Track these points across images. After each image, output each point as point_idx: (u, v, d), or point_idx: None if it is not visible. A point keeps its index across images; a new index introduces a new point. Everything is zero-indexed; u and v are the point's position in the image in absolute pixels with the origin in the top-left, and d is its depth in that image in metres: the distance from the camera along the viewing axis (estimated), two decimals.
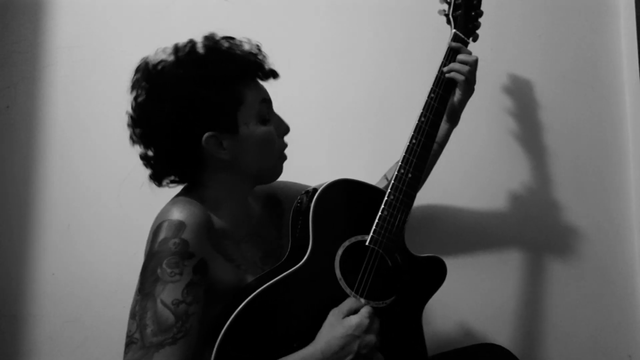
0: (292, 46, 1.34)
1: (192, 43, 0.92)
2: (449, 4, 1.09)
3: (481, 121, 1.33)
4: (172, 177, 0.96)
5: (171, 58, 0.91)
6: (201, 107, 0.87)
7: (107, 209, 1.30)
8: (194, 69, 0.88)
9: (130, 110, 0.93)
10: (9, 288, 1.27)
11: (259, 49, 0.95)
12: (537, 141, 1.35)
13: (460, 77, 1.02)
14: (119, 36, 1.34)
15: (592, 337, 1.30)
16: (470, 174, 1.33)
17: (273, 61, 0.96)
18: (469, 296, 1.30)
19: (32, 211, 1.30)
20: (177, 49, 0.92)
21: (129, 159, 1.29)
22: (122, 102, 1.33)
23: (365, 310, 0.84)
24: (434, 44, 1.32)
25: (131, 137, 0.93)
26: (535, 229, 1.33)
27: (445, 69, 1.03)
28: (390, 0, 1.37)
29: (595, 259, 1.32)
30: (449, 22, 1.09)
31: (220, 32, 0.94)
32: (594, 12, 1.38)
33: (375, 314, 0.85)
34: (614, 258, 1.33)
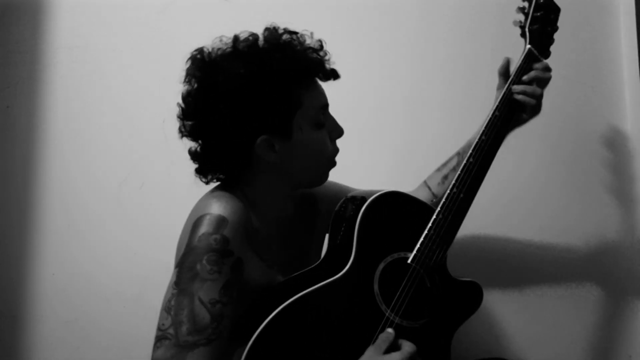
0: None
1: (253, 36, 0.88)
2: (527, 15, 1.03)
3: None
4: (218, 175, 0.92)
5: (229, 49, 0.87)
6: (257, 107, 0.83)
7: (107, 209, 1.30)
8: (254, 64, 0.84)
9: (181, 101, 0.89)
10: (9, 288, 1.27)
11: (321, 45, 0.91)
12: (537, 141, 1.34)
13: (531, 102, 0.97)
14: (119, 36, 1.34)
15: (592, 337, 1.30)
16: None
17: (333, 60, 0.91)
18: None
19: (32, 211, 1.30)
20: (236, 40, 0.88)
21: (129, 158, 1.31)
22: (122, 102, 1.34)
23: (407, 349, 0.80)
24: (437, 44, 1.34)
25: (180, 130, 0.90)
26: (533, 229, 1.33)
27: (517, 89, 0.98)
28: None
29: (595, 258, 1.32)
30: (523, 34, 1.03)
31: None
32: (594, 12, 1.38)
33: (415, 352, 0.81)
34: (614, 258, 1.32)
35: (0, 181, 1.30)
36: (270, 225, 0.92)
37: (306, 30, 0.90)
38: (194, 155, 0.91)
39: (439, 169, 1.12)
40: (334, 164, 0.95)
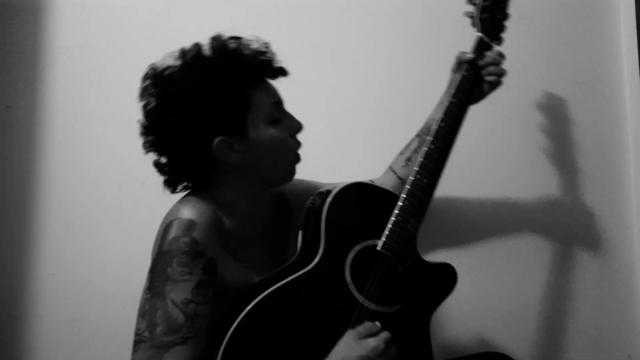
0: (293, 48, 1.34)
1: (198, 46, 0.92)
2: (476, 5, 1.05)
3: (480, 120, 1.33)
4: (186, 183, 0.96)
5: (178, 62, 0.91)
6: (209, 110, 0.86)
7: (107, 209, 1.30)
8: (201, 72, 0.87)
9: (141, 118, 0.92)
10: (9, 288, 1.28)
11: (267, 47, 0.94)
12: (537, 141, 1.35)
13: (499, 81, 1.02)
14: (119, 36, 1.34)
15: (592, 337, 1.30)
16: (468, 174, 1.33)
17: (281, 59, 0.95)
18: (468, 295, 1.30)
19: (32, 211, 1.30)
20: (183, 52, 0.92)
21: (129, 158, 1.31)
22: (122, 102, 1.34)
23: (383, 335, 0.83)
24: (436, 42, 1.34)
25: (144, 145, 0.93)
26: (534, 229, 1.33)
27: (488, 78, 1.01)
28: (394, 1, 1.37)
29: (595, 258, 1.32)
30: (474, 24, 1.06)
31: (226, 33, 0.93)
32: (594, 12, 1.38)
33: (391, 339, 0.84)
34: (614, 258, 1.33)
35: (0, 181, 1.30)
36: (244, 226, 0.94)
37: (252, 35, 0.94)
38: (159, 167, 0.93)
39: (401, 153, 1.16)
40: (298, 158, 0.98)
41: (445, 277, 0.98)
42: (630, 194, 1.34)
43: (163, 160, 0.93)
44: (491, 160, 1.34)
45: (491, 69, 1.01)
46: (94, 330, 1.27)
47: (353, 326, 0.85)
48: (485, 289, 1.31)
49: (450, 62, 1.17)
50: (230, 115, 0.88)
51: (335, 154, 1.33)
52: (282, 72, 0.95)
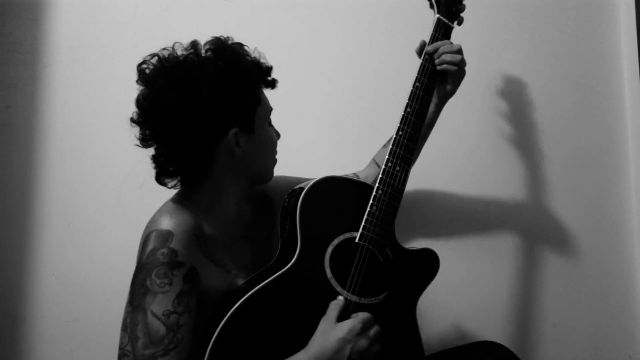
0: (292, 46, 1.34)
1: (218, 40, 0.92)
2: None
3: (483, 122, 1.34)
4: (179, 178, 0.92)
5: (189, 52, 0.90)
6: (225, 102, 0.86)
7: (107, 209, 1.30)
8: (220, 65, 0.87)
9: (141, 105, 0.88)
10: (9, 288, 1.27)
11: (265, 58, 0.96)
12: (538, 141, 1.35)
13: (452, 68, 0.99)
14: (118, 36, 1.34)
15: (592, 337, 1.30)
16: (470, 175, 1.33)
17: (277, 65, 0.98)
18: (467, 296, 1.30)
19: (32, 211, 1.30)
20: (195, 45, 0.91)
21: (129, 159, 1.31)
22: (122, 102, 1.34)
23: (360, 316, 0.83)
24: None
25: (143, 139, 0.88)
26: (535, 229, 1.33)
27: (436, 61, 0.99)
28: None
29: (595, 259, 1.32)
30: (432, 6, 1.05)
31: (226, 33, 0.94)
32: (593, 12, 1.38)
33: (371, 319, 0.84)
34: (614, 258, 1.33)
35: (0, 181, 1.30)
36: (228, 230, 0.94)
37: (250, 45, 0.95)
38: (158, 158, 0.89)
39: (384, 146, 1.16)
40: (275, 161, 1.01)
41: (428, 262, 0.99)
42: (630, 194, 1.34)
43: (161, 150, 0.88)
44: (485, 158, 1.34)
45: (444, 57, 0.98)
46: (94, 330, 1.27)
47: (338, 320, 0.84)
48: (485, 289, 1.31)
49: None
50: (243, 110, 0.90)
51: (321, 149, 1.33)
52: (274, 83, 0.98)
